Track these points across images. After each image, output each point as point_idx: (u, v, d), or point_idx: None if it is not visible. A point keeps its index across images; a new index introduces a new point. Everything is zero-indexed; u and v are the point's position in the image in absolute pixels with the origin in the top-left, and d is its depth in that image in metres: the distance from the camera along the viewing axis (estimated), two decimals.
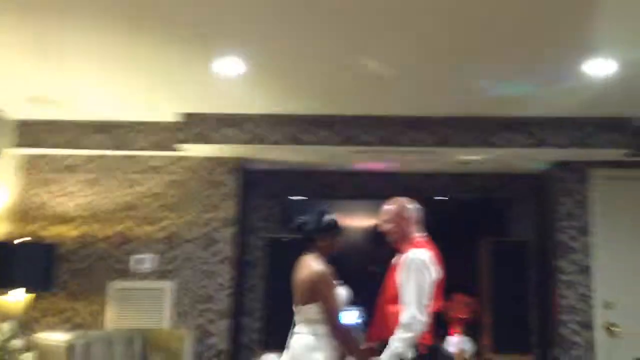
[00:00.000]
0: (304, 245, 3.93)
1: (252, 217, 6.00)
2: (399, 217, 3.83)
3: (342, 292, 3.84)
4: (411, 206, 3.88)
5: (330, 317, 3.71)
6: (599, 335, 5.22)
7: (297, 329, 3.82)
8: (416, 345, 3.65)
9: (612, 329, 5.27)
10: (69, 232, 5.40)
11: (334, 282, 3.78)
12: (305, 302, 3.76)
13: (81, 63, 4.18)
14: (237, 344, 5.69)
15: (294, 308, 3.86)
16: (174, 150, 5.27)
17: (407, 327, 3.57)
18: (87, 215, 5.44)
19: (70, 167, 5.50)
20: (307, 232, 3.86)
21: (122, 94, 4.72)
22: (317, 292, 3.71)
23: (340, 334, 3.74)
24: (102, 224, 5.42)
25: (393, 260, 3.85)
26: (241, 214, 5.67)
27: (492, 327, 5.30)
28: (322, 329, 3.76)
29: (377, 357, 3.64)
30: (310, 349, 3.71)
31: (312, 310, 3.74)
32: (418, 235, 3.84)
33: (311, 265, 3.77)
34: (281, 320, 5.13)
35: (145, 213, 5.44)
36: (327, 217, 3.87)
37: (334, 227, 3.86)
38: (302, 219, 3.92)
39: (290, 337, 3.87)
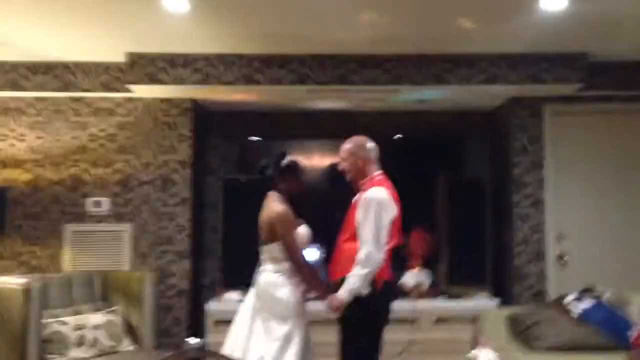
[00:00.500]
0: (265, 186, 4.01)
1: (209, 158, 5.96)
2: (356, 156, 3.88)
3: (303, 231, 3.92)
4: (368, 145, 3.92)
5: (291, 254, 3.79)
6: (551, 266, 5.39)
7: (262, 267, 3.92)
8: (374, 282, 3.74)
9: (564, 259, 5.45)
10: (20, 175, 5.28)
11: (295, 221, 3.85)
12: (268, 241, 3.87)
13: (18, 1, 4.00)
14: (198, 284, 5.72)
15: (259, 247, 3.95)
16: (124, 91, 5.15)
17: (364, 264, 3.65)
18: (38, 158, 5.32)
19: (16, 110, 5.34)
20: (268, 175, 3.97)
21: (63, 33, 4.53)
22: (277, 231, 3.78)
23: (301, 271, 3.82)
24: (54, 167, 5.31)
25: (353, 199, 3.90)
26: (198, 155, 5.62)
27: (448, 261, 5.42)
28: (285, 266, 3.84)
29: (336, 293, 3.72)
30: (273, 286, 3.84)
31: (274, 248, 3.85)
32: (375, 173, 3.88)
33: (272, 205, 3.88)
34: (241, 260, 5.20)
35: (98, 155, 5.35)
36: (287, 159, 3.97)
37: (293, 168, 3.96)
38: (263, 162, 4.04)
39: (257, 275, 3.96)
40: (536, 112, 5.47)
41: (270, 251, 3.87)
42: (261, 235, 3.91)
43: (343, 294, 3.69)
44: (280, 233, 3.79)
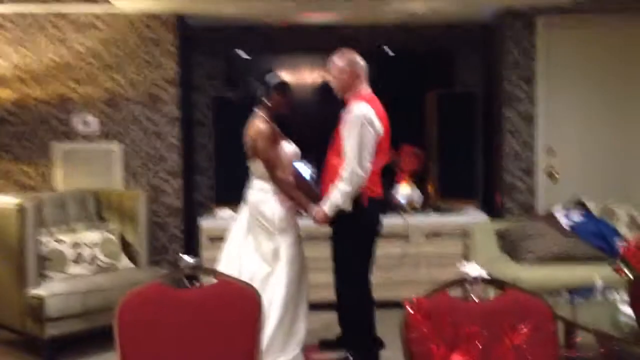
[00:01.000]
0: (253, 104, 4.03)
1: (197, 75, 5.87)
2: (344, 71, 3.85)
3: (287, 148, 3.94)
4: (357, 60, 3.88)
5: (269, 171, 3.88)
6: (541, 180, 5.45)
7: (251, 182, 4.01)
8: (364, 197, 3.78)
9: (553, 173, 5.50)
10: (5, 94, 5.19)
11: (277, 138, 3.89)
12: (251, 159, 3.96)
13: None
14: (191, 201, 5.75)
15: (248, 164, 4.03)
16: (103, 3, 4.99)
17: (346, 180, 3.69)
18: (23, 76, 5.21)
19: None
20: (257, 95, 3.98)
21: None
22: (257, 148, 3.88)
23: (281, 186, 3.90)
24: (40, 85, 5.21)
25: (342, 114, 3.89)
26: (185, 72, 5.53)
27: (439, 176, 5.46)
28: (267, 182, 3.92)
29: (319, 207, 3.79)
30: (259, 202, 3.94)
31: (257, 165, 3.94)
32: (363, 89, 3.85)
33: (254, 123, 3.94)
34: (231, 177, 5.23)
35: (84, 72, 5.24)
36: (275, 78, 3.95)
37: (280, 88, 3.96)
38: (253, 80, 4.05)
39: (246, 192, 4.04)
40: (530, 24, 5.38)
41: (254, 168, 3.97)
42: (246, 153, 3.99)
43: (326, 207, 3.76)
44: (260, 150, 3.87)
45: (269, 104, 3.96)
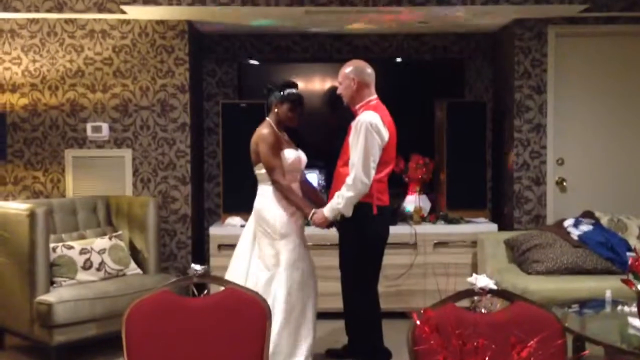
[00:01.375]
0: (264, 110, 4.09)
1: (206, 83, 5.90)
2: (352, 80, 3.85)
3: (290, 155, 3.95)
4: (366, 69, 3.89)
5: (270, 175, 3.92)
6: (550, 190, 5.43)
7: (257, 189, 4.06)
8: (372, 206, 3.79)
9: (563, 184, 5.48)
10: (18, 99, 5.23)
11: (279, 144, 3.91)
12: (255, 164, 4.02)
13: None
14: (200, 209, 5.77)
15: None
16: (118, 12, 5.02)
17: (349, 186, 3.70)
18: (36, 82, 5.25)
19: (11, 32, 5.23)
20: (270, 100, 4.05)
21: None
22: (258, 152, 3.94)
23: (282, 191, 3.91)
24: (51, 91, 5.25)
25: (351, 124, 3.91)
26: (195, 80, 5.56)
27: (448, 186, 5.45)
28: (270, 187, 3.98)
29: (319, 210, 3.80)
30: (261, 207, 3.97)
31: (260, 170, 3.99)
32: (371, 98, 3.87)
33: (259, 128, 4.00)
34: (240, 185, 5.24)
35: (96, 79, 5.28)
36: (289, 90, 4.00)
37: (292, 100, 3.98)
38: (270, 85, 4.09)
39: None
40: (540, 34, 5.38)
41: (257, 173, 4.02)
42: (251, 158, 4.06)
43: (326, 210, 3.80)
44: (261, 154, 3.92)
45: (278, 114, 4.01)
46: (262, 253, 3.92)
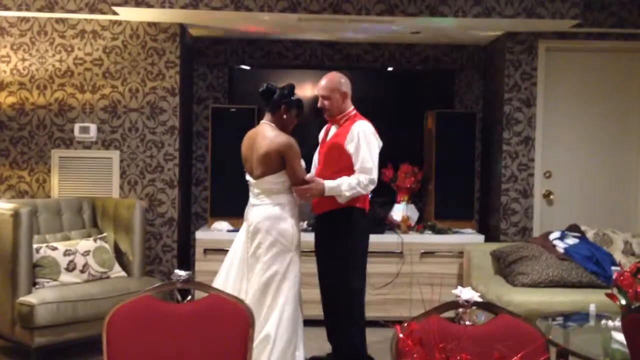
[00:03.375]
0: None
1: (198, 86, 5.89)
2: (337, 92, 3.88)
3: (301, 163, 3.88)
4: (344, 80, 3.96)
5: (298, 182, 3.73)
6: (537, 203, 5.45)
7: (257, 200, 3.81)
8: (362, 210, 3.82)
9: (550, 197, 5.50)
10: (5, 98, 5.19)
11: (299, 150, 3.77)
12: (267, 173, 3.72)
13: None
14: (187, 212, 5.74)
15: (249, 180, 3.86)
16: (110, 13, 5.00)
17: (363, 185, 3.79)
18: (24, 80, 5.21)
19: (0, 30, 5.18)
20: (274, 100, 3.81)
21: None
22: (286, 160, 3.69)
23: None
24: (40, 91, 5.22)
25: (329, 135, 3.95)
26: (185, 83, 5.54)
27: (436, 196, 5.45)
28: (285, 198, 3.77)
29: (321, 182, 3.75)
30: (275, 219, 3.73)
31: (276, 179, 3.73)
32: (351, 108, 3.98)
33: (275, 135, 3.73)
34: (227, 190, 5.23)
35: (85, 80, 5.25)
36: (296, 95, 3.88)
37: (301, 107, 3.90)
38: (271, 85, 3.86)
39: (249, 210, 3.87)
40: (530, 47, 5.41)
41: (269, 183, 3.74)
42: (256, 168, 3.76)
43: (327, 185, 3.73)
44: (291, 163, 3.67)
45: (285, 119, 3.81)
46: (272, 265, 3.70)
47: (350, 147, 3.79)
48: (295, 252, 3.76)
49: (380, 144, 3.89)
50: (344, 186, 3.73)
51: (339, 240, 3.91)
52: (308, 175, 3.79)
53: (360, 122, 3.84)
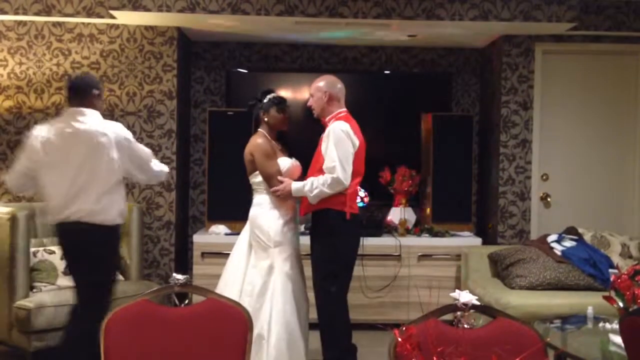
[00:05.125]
0: (250, 119, 4.12)
1: (196, 90, 5.88)
2: (324, 94, 3.93)
3: (285, 163, 3.97)
4: (336, 84, 3.98)
5: (268, 184, 3.93)
6: (534, 206, 5.45)
7: (253, 199, 4.07)
8: (345, 214, 3.81)
9: (547, 199, 5.51)
10: (2, 102, 5.18)
11: (274, 153, 3.93)
12: (249, 173, 4.02)
13: None
14: (185, 216, 5.74)
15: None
16: (107, 17, 5.00)
17: (329, 185, 3.77)
18: (22, 84, 5.20)
19: None
20: (255, 114, 4.08)
21: None
22: (254, 162, 3.95)
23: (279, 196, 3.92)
24: (37, 94, 5.21)
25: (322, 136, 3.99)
26: (182, 86, 5.54)
27: (434, 199, 5.46)
28: (263, 197, 3.99)
29: (291, 183, 3.87)
30: (256, 216, 3.97)
31: (254, 179, 4.01)
32: (340, 110, 3.96)
33: (253, 139, 4.02)
34: (225, 193, 5.23)
35: None
36: (271, 95, 4.05)
37: (277, 103, 4.01)
38: (252, 101, 4.11)
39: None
40: (527, 50, 5.42)
41: (253, 183, 4.03)
42: (246, 169, 4.05)
43: (294, 187, 3.85)
44: (257, 163, 3.93)
45: (268, 121, 4.02)
46: (258, 262, 3.90)
47: (323, 148, 3.85)
48: (278, 248, 3.86)
49: (357, 143, 3.83)
50: (307, 186, 3.79)
51: (315, 244, 3.94)
52: (280, 177, 3.92)
53: (335, 123, 3.85)
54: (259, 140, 3.97)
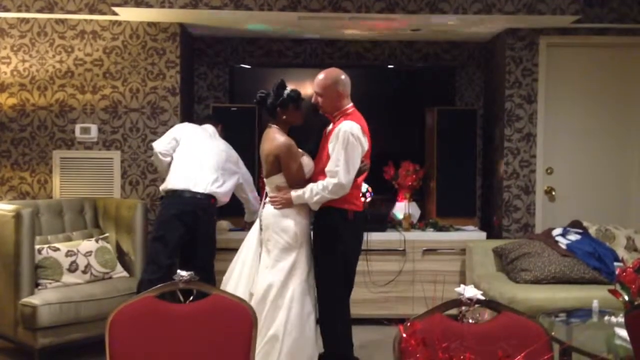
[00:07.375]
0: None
1: (199, 85, 5.88)
2: (331, 89, 3.79)
3: (306, 162, 3.86)
4: (342, 77, 3.84)
5: (295, 185, 3.76)
6: (539, 199, 5.44)
7: (267, 198, 3.90)
8: (348, 212, 3.77)
9: (552, 193, 5.50)
10: (6, 99, 5.19)
11: (297, 152, 3.80)
12: (270, 174, 3.84)
13: None
14: None
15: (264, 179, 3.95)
16: (110, 14, 5.00)
17: (330, 190, 3.68)
18: (25, 82, 5.21)
19: (0, 31, 5.18)
20: (268, 106, 3.86)
21: None
22: (281, 162, 3.76)
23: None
24: (40, 92, 5.22)
25: (326, 131, 3.90)
26: (186, 82, 5.53)
27: (438, 193, 5.45)
28: None
29: (292, 191, 3.76)
30: (278, 217, 3.80)
31: (279, 179, 3.82)
32: (348, 106, 3.85)
33: (274, 137, 3.80)
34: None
35: (85, 80, 5.25)
36: (288, 90, 3.84)
37: (295, 99, 3.84)
38: (263, 92, 3.89)
39: (262, 206, 3.96)
40: (531, 44, 5.40)
41: (273, 183, 3.84)
42: (263, 168, 3.89)
43: (294, 195, 3.75)
44: (284, 164, 3.75)
45: (285, 117, 3.84)
46: (276, 263, 3.75)
47: (330, 147, 3.72)
48: (300, 249, 3.76)
49: (365, 146, 3.75)
50: (307, 194, 3.71)
51: (317, 243, 3.87)
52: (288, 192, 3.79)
53: (346, 123, 3.71)
54: (281, 139, 3.77)
